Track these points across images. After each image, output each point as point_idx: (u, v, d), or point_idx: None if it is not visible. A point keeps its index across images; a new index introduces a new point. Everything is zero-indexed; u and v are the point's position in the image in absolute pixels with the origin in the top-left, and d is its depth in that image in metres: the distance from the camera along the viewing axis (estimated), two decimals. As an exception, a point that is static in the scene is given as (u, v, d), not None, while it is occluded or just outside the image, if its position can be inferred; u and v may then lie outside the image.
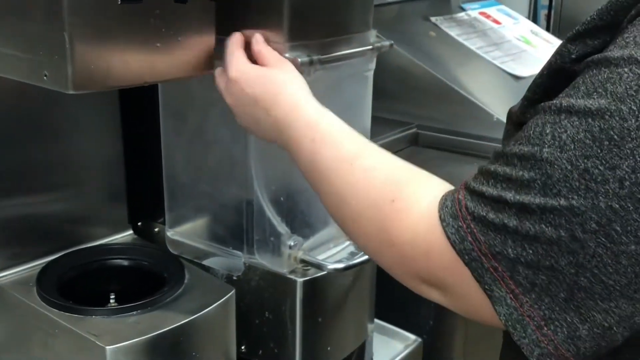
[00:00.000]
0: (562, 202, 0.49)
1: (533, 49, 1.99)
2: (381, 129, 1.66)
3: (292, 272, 0.96)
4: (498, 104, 1.68)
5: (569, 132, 0.49)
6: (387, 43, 0.97)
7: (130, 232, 1.09)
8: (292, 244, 0.93)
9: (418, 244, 0.57)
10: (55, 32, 0.69)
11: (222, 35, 0.85)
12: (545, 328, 0.51)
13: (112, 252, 1.01)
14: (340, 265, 0.95)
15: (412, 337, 1.19)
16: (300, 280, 0.95)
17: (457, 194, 0.56)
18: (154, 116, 1.01)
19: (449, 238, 0.54)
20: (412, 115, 1.74)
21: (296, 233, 0.94)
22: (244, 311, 0.99)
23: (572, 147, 0.49)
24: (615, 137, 0.47)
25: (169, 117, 1.02)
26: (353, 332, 1.07)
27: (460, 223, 0.54)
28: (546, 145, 0.50)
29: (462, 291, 0.55)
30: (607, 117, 0.48)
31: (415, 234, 0.57)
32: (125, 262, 1.00)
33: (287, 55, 0.84)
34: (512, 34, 2.00)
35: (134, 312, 0.86)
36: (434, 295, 0.59)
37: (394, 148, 1.67)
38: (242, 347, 1.01)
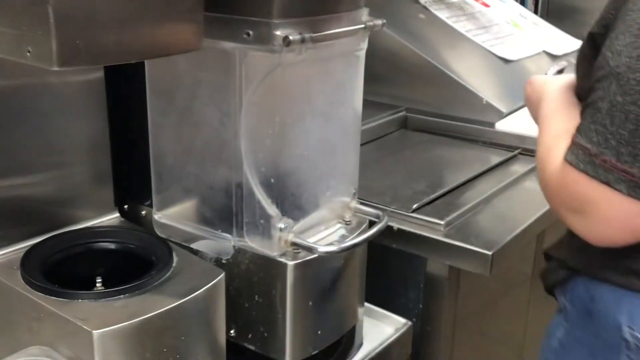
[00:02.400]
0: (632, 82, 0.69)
1: (521, 32, 1.98)
2: (370, 112, 1.64)
3: (283, 255, 0.94)
4: (487, 87, 1.67)
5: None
6: (379, 22, 0.95)
7: (117, 214, 1.07)
8: (282, 226, 0.92)
9: (557, 180, 0.76)
10: (38, 6, 0.66)
11: (210, 12, 0.83)
12: None
13: (99, 235, 0.99)
14: (332, 248, 0.94)
15: (402, 320, 1.18)
16: (290, 263, 0.93)
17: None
18: (141, 96, 0.99)
19: (570, 162, 0.73)
20: (401, 98, 1.73)
21: (287, 215, 0.93)
22: (234, 295, 0.98)
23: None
24: None
25: (156, 97, 1.00)
26: (343, 316, 1.06)
27: (574, 149, 0.73)
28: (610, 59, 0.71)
29: (594, 204, 0.72)
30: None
31: (555, 174, 0.76)
32: (112, 245, 0.98)
33: (277, 32, 0.82)
34: (501, 17, 1.99)
35: (121, 296, 0.84)
36: (577, 222, 0.76)
37: (383, 131, 1.66)
38: (232, 331, 1.00)
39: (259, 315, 0.98)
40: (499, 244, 1.14)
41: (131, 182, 1.08)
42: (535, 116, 0.93)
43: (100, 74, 1.01)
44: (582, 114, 0.75)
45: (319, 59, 0.90)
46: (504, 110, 1.60)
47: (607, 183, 0.70)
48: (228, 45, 0.87)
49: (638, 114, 0.68)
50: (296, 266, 0.94)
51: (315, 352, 1.01)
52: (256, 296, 0.97)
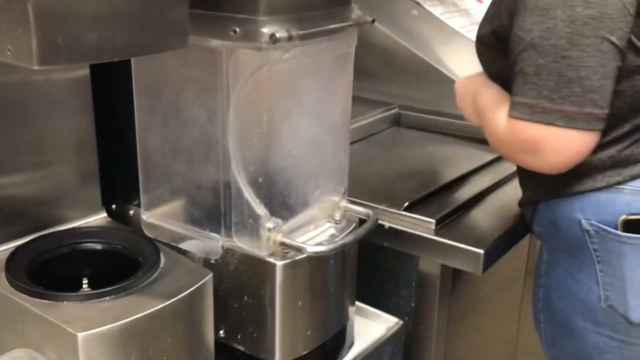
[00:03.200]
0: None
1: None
2: (363, 109, 1.63)
3: (272, 255, 0.93)
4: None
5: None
6: (368, 19, 0.94)
7: (104, 214, 1.06)
8: (271, 226, 0.91)
9: (508, 133, 0.95)
10: (18, 4, 0.65)
11: (197, 9, 0.82)
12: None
13: (85, 235, 0.98)
14: (321, 248, 0.93)
15: (394, 319, 1.17)
16: (279, 263, 0.92)
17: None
18: (127, 93, 0.98)
19: (517, 118, 0.92)
20: (393, 95, 1.72)
21: (275, 215, 0.92)
22: (222, 295, 0.97)
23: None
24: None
25: (143, 95, 0.98)
26: (334, 316, 1.05)
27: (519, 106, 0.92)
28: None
29: (545, 143, 0.91)
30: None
31: (506, 129, 0.96)
32: (99, 246, 0.97)
33: (264, 30, 0.81)
34: (495, 13, 1.98)
35: (107, 298, 0.83)
36: (534, 161, 0.95)
37: (376, 129, 1.65)
38: (221, 332, 0.99)
39: (248, 316, 0.97)
40: (492, 241, 1.14)
41: (118, 181, 1.07)
42: (470, 111, 1.13)
43: (86, 71, 0.99)
44: (514, 82, 0.93)
45: (307, 57, 0.89)
46: (497, 106, 1.60)
47: (549, 123, 0.89)
48: (215, 42, 0.86)
49: (557, 68, 0.88)
50: (285, 266, 0.93)
51: (306, 352, 1.00)
52: (245, 296, 0.96)
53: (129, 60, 0.95)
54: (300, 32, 0.84)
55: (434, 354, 1.26)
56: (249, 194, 0.91)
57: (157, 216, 1.02)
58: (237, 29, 0.83)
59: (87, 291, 0.88)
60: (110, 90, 1.02)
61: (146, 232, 1.02)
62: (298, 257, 0.94)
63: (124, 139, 1.03)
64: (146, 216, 1.03)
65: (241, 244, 0.93)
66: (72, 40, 0.68)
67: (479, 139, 1.58)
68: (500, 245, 1.16)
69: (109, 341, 0.79)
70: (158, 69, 0.94)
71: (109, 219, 1.06)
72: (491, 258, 1.13)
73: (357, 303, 1.12)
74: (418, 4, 1.85)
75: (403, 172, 1.41)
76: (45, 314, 0.80)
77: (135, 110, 0.98)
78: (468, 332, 1.38)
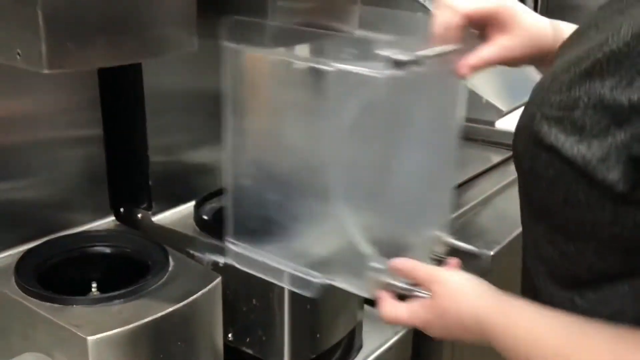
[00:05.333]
0: None
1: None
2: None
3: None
4: (486, 86, 1.66)
5: None
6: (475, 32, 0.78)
7: (112, 218, 1.06)
8: (377, 266, 0.78)
9: None
10: (27, 8, 0.65)
11: (204, 12, 0.82)
12: None
13: (94, 239, 0.98)
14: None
15: (402, 322, 1.17)
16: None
17: None
18: (136, 95, 0.98)
19: None
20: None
21: (381, 253, 0.78)
22: (231, 299, 0.96)
23: None
24: None
25: (235, 116, 0.85)
26: (342, 319, 1.05)
27: None
28: None
29: None
30: None
31: None
32: (107, 250, 0.96)
33: (383, 53, 0.70)
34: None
35: (117, 301, 0.83)
36: None
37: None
38: (229, 336, 0.98)
39: (257, 319, 0.97)
40: (500, 244, 1.13)
41: (126, 185, 1.07)
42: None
43: (94, 74, 0.99)
44: None
45: (422, 79, 0.77)
46: (504, 109, 1.59)
47: None
48: (323, 64, 0.75)
49: None
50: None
51: (314, 355, 1.00)
52: (254, 300, 0.96)
53: (138, 63, 0.96)
54: (422, 54, 0.72)
55: (442, 357, 1.26)
56: (354, 230, 0.79)
57: (245, 249, 0.86)
58: (353, 50, 0.76)
59: (97, 295, 0.88)
60: (119, 93, 1.02)
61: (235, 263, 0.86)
62: (306, 261, 0.93)
63: (132, 142, 1.03)
64: (232, 245, 0.86)
65: (341, 284, 0.81)
66: (82, 44, 0.68)
67: (485, 141, 1.58)
68: (508, 248, 1.15)
69: (119, 345, 0.79)
70: (252, 90, 0.85)
71: (117, 223, 1.06)
72: (499, 260, 1.12)
73: (365, 306, 1.12)
74: (423, 5, 1.85)
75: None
76: (55, 318, 0.80)
77: (225, 131, 0.85)
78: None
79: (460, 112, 0.87)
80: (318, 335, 0.99)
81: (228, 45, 0.81)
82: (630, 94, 0.52)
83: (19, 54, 0.68)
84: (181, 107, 1.08)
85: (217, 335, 0.91)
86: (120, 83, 1.01)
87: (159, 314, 0.81)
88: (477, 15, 0.73)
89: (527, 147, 0.62)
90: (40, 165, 0.97)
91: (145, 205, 1.05)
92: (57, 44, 0.66)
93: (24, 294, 0.84)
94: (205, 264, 0.98)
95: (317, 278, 0.82)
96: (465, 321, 0.69)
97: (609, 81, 0.54)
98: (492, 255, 1.10)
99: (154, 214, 1.05)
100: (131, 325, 0.79)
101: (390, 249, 0.81)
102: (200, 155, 1.11)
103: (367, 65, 0.71)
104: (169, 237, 1.01)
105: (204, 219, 1.02)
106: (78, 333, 0.77)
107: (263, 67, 0.87)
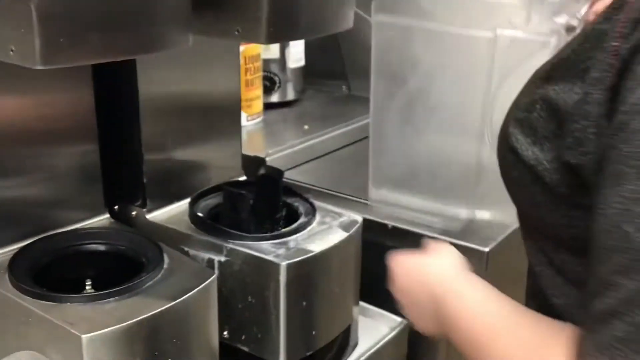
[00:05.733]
0: None
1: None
2: (364, 108, 1.63)
3: (276, 255, 0.93)
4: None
5: None
6: None
7: (107, 215, 1.06)
8: None
9: None
10: (21, 4, 0.64)
11: (199, 9, 0.82)
12: None
13: (88, 236, 0.97)
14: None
15: (398, 319, 1.17)
16: (283, 263, 0.92)
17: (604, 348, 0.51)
18: (131, 92, 0.98)
19: None
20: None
21: None
22: (226, 296, 0.96)
23: None
24: None
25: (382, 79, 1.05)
26: (338, 316, 1.05)
27: None
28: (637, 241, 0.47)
29: None
30: None
31: None
32: (102, 247, 0.96)
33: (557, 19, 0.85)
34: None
35: (111, 299, 0.82)
36: None
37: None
38: (225, 333, 0.98)
39: (253, 317, 0.96)
40: (495, 241, 1.13)
41: (121, 182, 1.06)
42: (432, 325, 0.74)
43: (87, 70, 0.99)
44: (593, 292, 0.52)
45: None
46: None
47: None
48: (484, 32, 0.92)
49: None
50: (289, 266, 0.92)
51: (310, 352, 1.00)
52: (249, 297, 0.96)
53: (133, 59, 0.95)
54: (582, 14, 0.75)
55: (438, 354, 1.26)
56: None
57: (386, 194, 1.08)
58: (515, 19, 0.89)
59: (91, 292, 0.88)
60: (113, 90, 1.02)
61: (377, 210, 1.10)
62: (302, 257, 0.93)
63: (126, 140, 1.02)
64: (374, 195, 1.07)
65: (487, 214, 1.02)
66: (76, 40, 0.67)
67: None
68: (503, 244, 1.15)
69: (114, 342, 0.79)
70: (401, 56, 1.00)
71: (112, 220, 1.05)
72: (495, 257, 1.12)
73: (361, 303, 1.11)
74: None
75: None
76: (49, 316, 0.79)
77: (371, 94, 1.06)
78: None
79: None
80: (314, 333, 0.99)
81: (378, 18, 1.00)
82: (568, 98, 0.54)
83: (12, 50, 0.67)
84: (176, 105, 1.07)
85: (213, 332, 0.91)
86: (114, 80, 1.01)
87: (154, 312, 0.81)
88: None
89: (500, 149, 0.64)
90: (35, 163, 0.97)
91: (139, 203, 1.05)
92: (51, 39, 0.66)
93: (18, 292, 0.83)
94: (201, 261, 0.98)
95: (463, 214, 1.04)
96: (430, 280, 0.75)
97: (558, 85, 0.56)
98: (488, 252, 1.10)
99: (149, 211, 1.05)
100: (126, 323, 0.79)
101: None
102: (195, 153, 1.11)
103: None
104: (164, 234, 1.00)
105: (199, 216, 1.02)
106: (72, 331, 0.77)
107: (415, 37, 1.02)
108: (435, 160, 1.04)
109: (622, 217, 0.48)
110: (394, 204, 1.08)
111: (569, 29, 0.78)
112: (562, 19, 0.81)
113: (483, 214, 0.99)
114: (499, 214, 0.98)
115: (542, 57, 0.73)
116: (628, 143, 0.48)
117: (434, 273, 0.75)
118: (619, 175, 0.48)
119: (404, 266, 0.80)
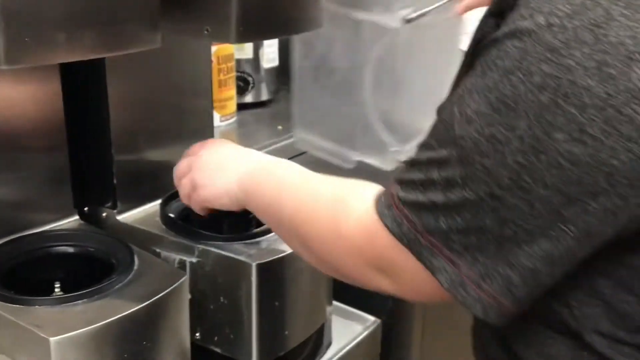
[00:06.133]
0: (478, 166, 0.56)
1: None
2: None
3: (248, 256, 0.93)
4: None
5: (472, 107, 0.57)
6: None
7: (76, 217, 1.05)
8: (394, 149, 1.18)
9: (364, 236, 0.65)
10: (-16, 3, 0.64)
11: (168, 7, 0.81)
12: (483, 283, 0.58)
13: (57, 238, 0.96)
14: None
15: (371, 318, 1.17)
16: (255, 263, 0.92)
17: (390, 188, 0.64)
18: (99, 92, 0.97)
19: (387, 226, 0.62)
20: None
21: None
22: (198, 297, 0.96)
23: (477, 119, 0.56)
24: (510, 103, 0.54)
25: (301, 44, 1.26)
26: (311, 315, 1.05)
27: (394, 211, 0.62)
28: (456, 123, 0.58)
29: (407, 273, 0.63)
30: (500, 88, 0.55)
31: (361, 228, 0.66)
32: (71, 249, 0.95)
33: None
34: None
35: (80, 301, 0.82)
36: (383, 284, 0.66)
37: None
38: (197, 334, 0.98)
39: (225, 317, 0.96)
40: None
41: (91, 183, 1.05)
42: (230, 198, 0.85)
43: (55, 70, 0.98)
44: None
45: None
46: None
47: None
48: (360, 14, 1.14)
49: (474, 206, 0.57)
50: (261, 266, 0.92)
51: (283, 352, 1.00)
52: (221, 298, 0.96)
53: (101, 59, 0.94)
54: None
55: (412, 353, 1.27)
56: (379, 126, 1.20)
57: (306, 134, 1.28)
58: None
59: (60, 295, 0.87)
60: (81, 90, 1.01)
61: (300, 147, 1.30)
62: (274, 257, 0.93)
63: (96, 140, 1.01)
64: (299, 137, 1.28)
65: (370, 160, 1.20)
66: (41, 40, 0.67)
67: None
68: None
69: (83, 345, 0.78)
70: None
71: (81, 222, 1.04)
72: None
73: (334, 302, 1.12)
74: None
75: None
76: (17, 319, 0.78)
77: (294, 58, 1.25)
78: (446, 329, 1.38)
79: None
80: (286, 333, 0.99)
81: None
82: None
83: (-24, 49, 0.66)
84: (146, 105, 1.07)
85: (184, 334, 0.90)
86: (83, 80, 1.00)
87: (124, 314, 0.80)
88: None
89: None
90: (2, 164, 0.95)
91: (110, 204, 1.04)
92: (16, 39, 0.65)
93: (-15, 295, 0.82)
94: (172, 262, 0.97)
95: (355, 156, 1.22)
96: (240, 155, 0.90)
97: None
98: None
99: (119, 212, 1.04)
100: (95, 325, 0.78)
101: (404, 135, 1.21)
102: (166, 153, 1.10)
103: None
104: (135, 235, 1.00)
105: (170, 217, 1.01)
106: (40, 334, 0.76)
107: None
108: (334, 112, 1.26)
109: None
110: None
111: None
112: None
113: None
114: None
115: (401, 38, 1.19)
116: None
117: (240, 149, 0.91)
118: None
119: (203, 146, 0.93)
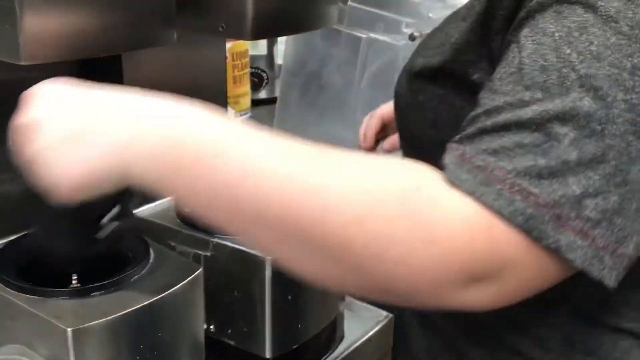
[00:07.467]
0: (622, 105, 0.47)
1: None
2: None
3: (261, 249, 0.94)
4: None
5: (596, 41, 0.48)
6: None
7: (93, 211, 1.06)
8: None
9: (464, 233, 0.48)
10: (5, 1, 0.65)
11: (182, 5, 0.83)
12: (620, 248, 0.49)
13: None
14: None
15: (384, 313, 1.18)
16: (269, 257, 0.93)
17: (473, 161, 0.49)
18: (116, 83, 0.97)
19: (491, 207, 0.47)
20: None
21: None
22: (212, 290, 0.97)
23: (609, 52, 0.48)
24: None
25: (289, 64, 1.44)
26: (324, 310, 1.06)
27: (499, 186, 0.47)
28: (577, 63, 0.48)
29: (516, 268, 0.49)
30: (628, 14, 0.48)
31: (461, 224, 0.48)
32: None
33: (405, 30, 1.24)
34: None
35: (97, 293, 0.83)
36: (469, 298, 0.50)
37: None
38: (211, 327, 0.99)
39: (239, 310, 0.97)
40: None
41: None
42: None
43: (71, 65, 0.99)
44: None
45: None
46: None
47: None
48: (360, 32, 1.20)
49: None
50: (275, 260, 0.93)
51: (296, 346, 1.01)
52: (235, 291, 0.97)
53: (118, 55, 0.95)
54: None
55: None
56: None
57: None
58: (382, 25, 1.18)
59: (77, 287, 0.88)
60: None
61: None
62: (287, 252, 0.94)
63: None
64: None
65: None
66: (60, 36, 0.68)
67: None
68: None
69: (99, 336, 0.79)
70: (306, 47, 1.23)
71: (98, 216, 1.06)
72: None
73: (347, 297, 1.12)
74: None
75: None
76: (35, 310, 0.80)
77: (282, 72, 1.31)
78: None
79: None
80: (299, 326, 1.00)
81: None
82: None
83: (-4, 46, 0.68)
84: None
85: (199, 326, 0.92)
86: (100, 77, 1.01)
87: (139, 305, 0.82)
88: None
89: (403, 86, 0.80)
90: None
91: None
92: (35, 36, 0.66)
93: (4, 286, 0.84)
94: (187, 256, 0.99)
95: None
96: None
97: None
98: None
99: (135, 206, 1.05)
100: (112, 317, 0.80)
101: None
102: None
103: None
104: (150, 229, 1.01)
105: (185, 212, 1.02)
106: (58, 324, 0.78)
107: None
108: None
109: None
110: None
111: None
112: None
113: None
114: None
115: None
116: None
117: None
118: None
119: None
